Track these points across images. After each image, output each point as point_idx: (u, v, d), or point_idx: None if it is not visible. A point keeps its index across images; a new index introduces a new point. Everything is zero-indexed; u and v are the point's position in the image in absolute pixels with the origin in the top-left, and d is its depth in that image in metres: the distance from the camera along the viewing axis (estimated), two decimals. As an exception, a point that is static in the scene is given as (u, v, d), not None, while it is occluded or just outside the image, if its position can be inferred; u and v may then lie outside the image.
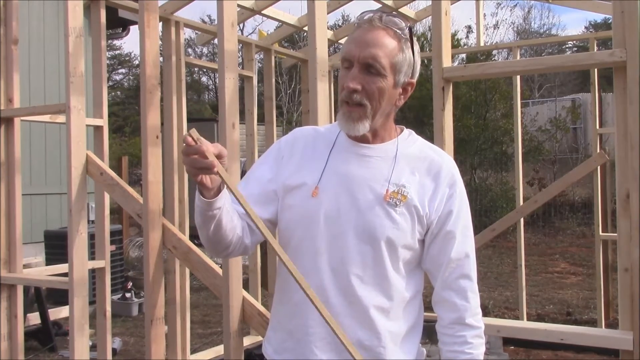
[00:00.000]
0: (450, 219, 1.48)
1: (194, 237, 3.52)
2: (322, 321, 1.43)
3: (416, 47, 1.49)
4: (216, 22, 2.73)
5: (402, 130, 1.57)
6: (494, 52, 18.11)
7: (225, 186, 1.33)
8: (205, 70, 28.00)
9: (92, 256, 3.48)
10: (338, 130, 1.54)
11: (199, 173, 1.29)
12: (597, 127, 5.26)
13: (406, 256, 1.48)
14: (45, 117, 3.61)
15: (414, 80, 1.51)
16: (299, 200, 1.49)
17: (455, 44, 15.78)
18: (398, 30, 1.44)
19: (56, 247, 6.14)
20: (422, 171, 1.50)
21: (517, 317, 5.36)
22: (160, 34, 3.75)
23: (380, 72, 1.42)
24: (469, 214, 1.54)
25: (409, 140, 1.55)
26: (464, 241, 1.50)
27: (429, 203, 1.47)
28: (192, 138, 1.25)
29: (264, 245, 4.90)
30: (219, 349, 4.36)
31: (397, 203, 1.45)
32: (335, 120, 1.54)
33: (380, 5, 4.45)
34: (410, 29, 1.47)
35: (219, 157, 1.28)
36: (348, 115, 1.45)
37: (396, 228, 1.44)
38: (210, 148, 1.26)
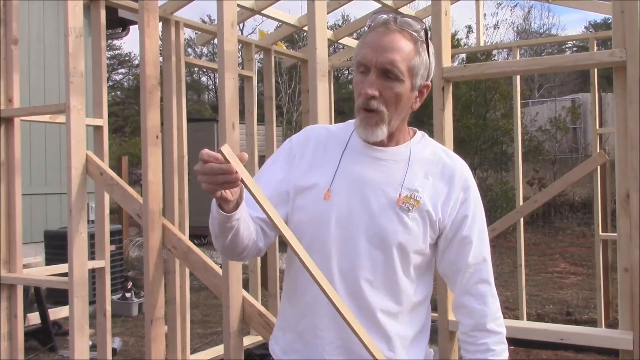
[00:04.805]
0: (465, 223, 1.47)
1: (194, 237, 3.52)
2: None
3: (431, 49, 1.46)
4: (216, 22, 2.73)
5: (414, 133, 1.55)
6: (494, 52, 18.14)
7: (251, 195, 1.26)
8: (205, 70, 28.00)
9: (92, 256, 3.48)
10: (351, 131, 1.52)
11: (220, 189, 1.24)
12: (597, 127, 5.26)
13: (417, 261, 1.46)
14: (45, 117, 3.61)
15: (430, 83, 1.49)
16: (310, 202, 1.46)
17: (455, 44, 15.78)
18: (414, 33, 1.42)
19: (56, 247, 6.14)
20: (435, 175, 1.48)
21: (517, 317, 5.35)
22: (160, 34, 3.75)
23: (399, 77, 1.40)
24: (484, 217, 1.52)
25: (422, 142, 1.53)
26: (480, 245, 1.48)
27: (442, 207, 1.46)
28: (224, 156, 1.17)
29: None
30: (219, 349, 4.35)
31: (410, 208, 1.43)
32: (334, 121, 1.53)
33: (380, 5, 4.45)
34: (425, 31, 1.44)
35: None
36: (366, 122, 1.42)
37: (408, 233, 1.43)
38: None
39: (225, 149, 1.19)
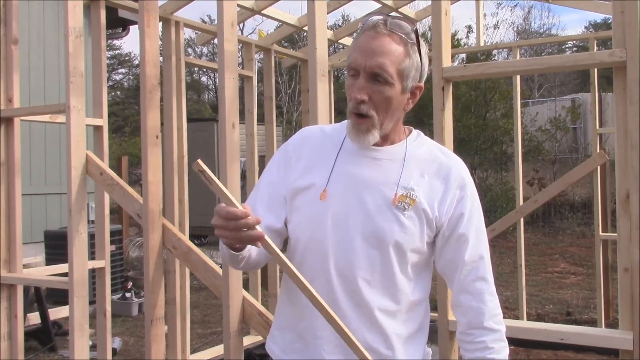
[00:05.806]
0: (462, 221, 1.47)
1: (194, 237, 3.52)
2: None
3: (424, 49, 1.46)
4: (216, 22, 2.73)
5: (410, 132, 1.55)
6: (494, 52, 18.15)
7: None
8: (205, 70, 28.01)
9: (92, 256, 3.48)
10: (346, 131, 1.52)
11: (240, 243, 1.28)
12: (597, 127, 5.26)
13: (414, 260, 1.47)
14: (45, 117, 3.61)
15: (422, 84, 1.48)
16: (307, 202, 1.48)
17: (455, 44, 15.77)
18: (404, 35, 1.42)
19: (56, 247, 6.14)
20: (431, 173, 1.48)
21: (517, 317, 5.35)
22: (160, 34, 3.75)
23: (388, 81, 1.40)
24: (482, 215, 1.53)
25: (417, 141, 1.54)
26: (477, 243, 1.48)
27: (439, 206, 1.46)
28: (207, 176, 1.16)
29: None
30: (219, 349, 4.35)
31: (406, 207, 1.43)
32: (334, 121, 1.54)
33: (380, 5, 4.45)
34: (416, 32, 1.44)
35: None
36: (357, 128, 1.43)
37: (404, 232, 1.43)
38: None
39: (200, 164, 1.15)
